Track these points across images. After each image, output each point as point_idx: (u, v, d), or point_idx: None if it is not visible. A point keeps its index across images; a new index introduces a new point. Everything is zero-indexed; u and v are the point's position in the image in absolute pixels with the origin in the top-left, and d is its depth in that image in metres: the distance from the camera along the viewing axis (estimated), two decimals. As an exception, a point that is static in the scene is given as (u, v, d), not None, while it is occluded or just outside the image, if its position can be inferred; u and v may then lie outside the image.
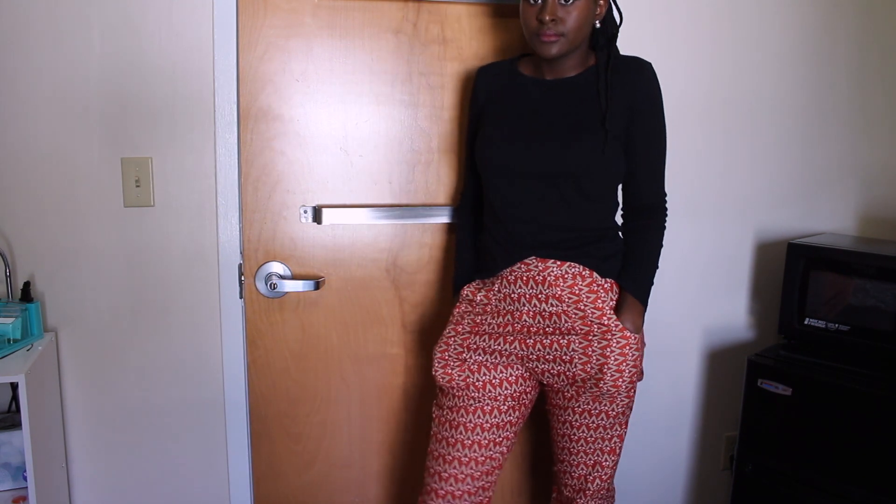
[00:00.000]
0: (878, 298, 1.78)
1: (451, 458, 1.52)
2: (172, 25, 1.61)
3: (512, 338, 1.48)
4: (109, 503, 1.75)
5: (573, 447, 1.56)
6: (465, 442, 1.51)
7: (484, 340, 1.50)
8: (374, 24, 1.70)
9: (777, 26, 2.01)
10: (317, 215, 1.73)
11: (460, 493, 1.52)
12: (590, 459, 1.56)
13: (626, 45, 1.88)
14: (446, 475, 1.52)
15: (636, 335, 1.47)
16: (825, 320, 1.87)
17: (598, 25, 1.44)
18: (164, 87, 1.63)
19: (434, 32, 1.73)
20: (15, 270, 1.61)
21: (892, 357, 1.76)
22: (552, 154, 1.42)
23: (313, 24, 1.68)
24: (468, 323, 1.52)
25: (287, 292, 1.75)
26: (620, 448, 1.58)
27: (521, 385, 1.53)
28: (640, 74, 1.47)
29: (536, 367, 1.50)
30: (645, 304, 1.51)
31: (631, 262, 1.51)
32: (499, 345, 1.49)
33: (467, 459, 1.51)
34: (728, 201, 2.06)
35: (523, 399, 1.55)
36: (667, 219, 1.57)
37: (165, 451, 1.76)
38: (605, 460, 1.56)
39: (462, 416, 1.51)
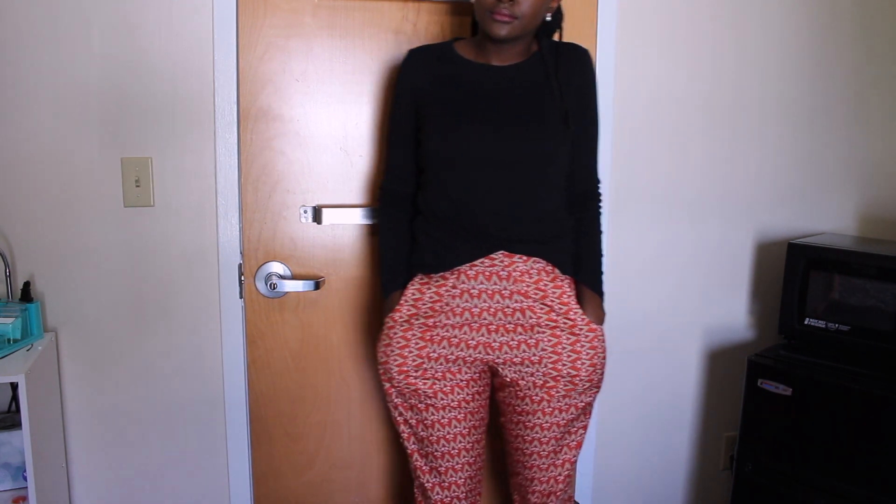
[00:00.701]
0: (878, 298, 1.78)
1: (443, 468, 1.50)
2: (172, 25, 1.61)
3: (475, 342, 1.43)
4: (109, 503, 1.75)
5: (543, 450, 1.49)
6: (452, 452, 1.49)
7: (444, 348, 1.43)
8: (374, 24, 1.70)
9: (777, 27, 2.01)
10: (317, 215, 1.73)
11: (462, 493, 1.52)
12: (559, 459, 1.51)
13: (627, 44, 1.89)
14: (446, 483, 1.51)
15: (601, 327, 1.47)
16: (825, 320, 1.87)
17: (548, 18, 1.41)
18: (164, 87, 1.63)
19: (434, 32, 1.73)
20: (15, 270, 1.61)
21: (892, 357, 1.76)
22: (521, 141, 1.38)
23: (313, 24, 1.68)
24: (419, 327, 1.44)
25: (287, 292, 1.75)
26: (583, 439, 1.55)
27: (483, 381, 1.51)
28: (583, 60, 1.46)
29: (503, 369, 1.46)
30: (602, 297, 1.52)
31: (582, 256, 1.51)
32: (462, 350, 1.43)
33: (459, 466, 1.50)
34: (728, 201, 2.06)
35: (485, 395, 1.53)
36: (601, 205, 1.58)
37: (165, 451, 1.76)
38: (573, 456, 1.52)
39: (437, 427, 1.48)
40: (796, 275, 1.91)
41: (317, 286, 1.72)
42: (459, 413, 1.48)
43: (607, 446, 2.08)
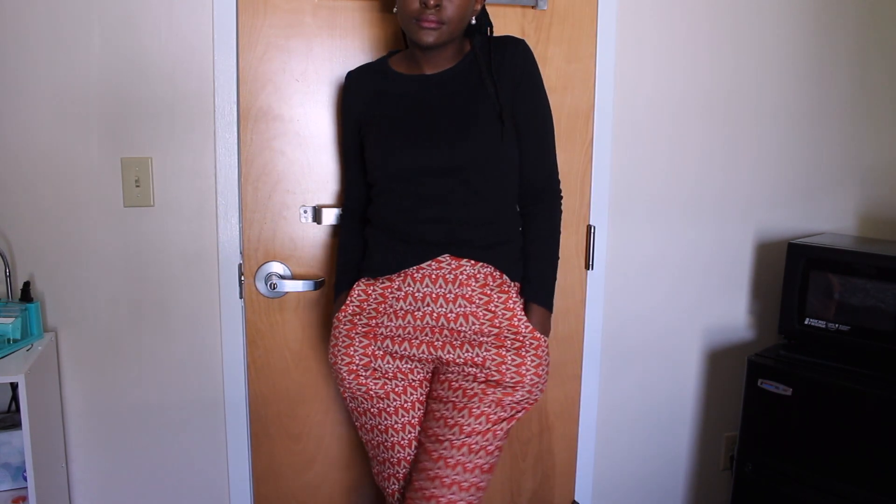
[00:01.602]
0: (878, 298, 1.78)
1: (395, 459, 1.49)
2: (172, 25, 1.61)
3: (418, 342, 1.41)
4: (109, 503, 1.75)
5: (453, 454, 1.38)
6: (407, 458, 1.48)
7: (387, 346, 1.43)
8: (374, 24, 1.70)
9: (777, 27, 2.01)
10: (317, 215, 1.73)
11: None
12: (465, 475, 1.37)
13: (626, 44, 1.89)
14: (400, 475, 1.50)
15: (546, 338, 1.42)
16: (825, 320, 1.87)
17: (473, 21, 1.40)
18: (164, 87, 1.63)
19: (434, 32, 1.73)
20: (15, 270, 1.61)
21: (892, 357, 1.76)
22: (453, 147, 1.36)
23: (313, 24, 1.68)
24: (362, 326, 1.44)
25: (287, 292, 1.75)
26: (495, 465, 1.43)
27: (425, 382, 1.49)
28: (517, 50, 1.40)
29: (443, 368, 1.44)
30: (550, 308, 1.44)
31: (530, 265, 1.44)
32: (405, 350, 1.42)
33: (405, 457, 1.49)
34: (728, 201, 2.06)
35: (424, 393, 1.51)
36: (560, 202, 1.49)
37: (165, 451, 1.76)
38: (478, 479, 1.39)
39: (391, 433, 1.47)
40: (796, 275, 1.91)
41: (317, 286, 1.72)
42: (413, 417, 1.47)
43: (607, 446, 2.08)
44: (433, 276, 1.39)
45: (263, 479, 1.83)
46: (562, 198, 1.50)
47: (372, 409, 1.47)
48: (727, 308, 2.13)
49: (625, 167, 1.94)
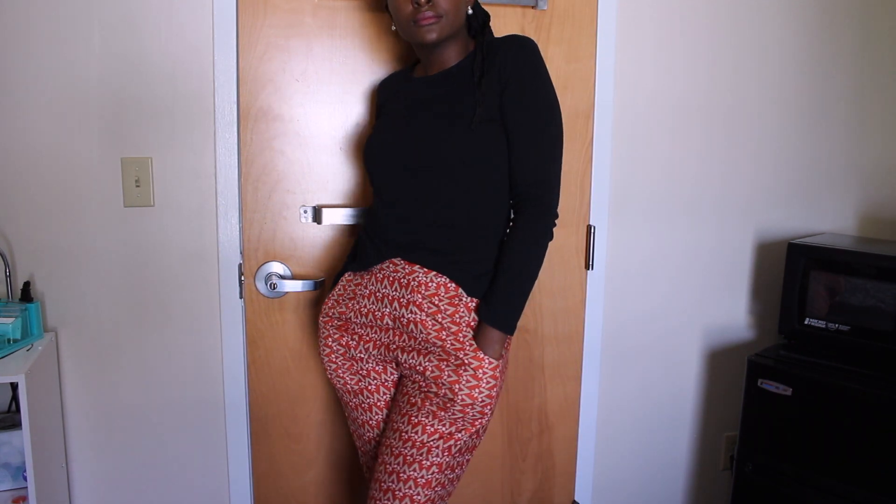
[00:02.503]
0: (878, 298, 1.78)
1: (372, 453, 1.51)
2: (172, 25, 1.61)
3: (379, 342, 1.42)
4: (109, 503, 1.75)
5: (389, 461, 1.35)
6: (376, 438, 1.50)
7: (354, 341, 1.45)
8: (374, 24, 1.70)
9: (777, 27, 2.01)
10: (317, 215, 1.73)
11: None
12: (399, 484, 1.32)
13: (627, 45, 1.89)
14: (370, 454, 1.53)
15: (493, 360, 1.31)
16: (825, 320, 1.87)
17: (470, 12, 1.39)
18: (164, 87, 1.63)
19: (434, 32, 1.73)
20: (15, 270, 1.61)
21: (892, 357, 1.76)
22: (420, 145, 1.33)
23: (313, 24, 1.68)
24: (336, 319, 1.47)
25: (287, 292, 1.75)
26: (438, 484, 1.33)
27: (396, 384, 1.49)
28: (511, 50, 1.32)
29: (403, 376, 1.43)
30: (505, 331, 1.31)
31: (495, 280, 1.33)
32: (367, 350, 1.44)
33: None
34: (728, 201, 2.06)
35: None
36: (548, 216, 1.35)
37: (165, 451, 1.76)
38: (415, 492, 1.32)
39: (367, 428, 1.50)
40: (796, 275, 1.91)
41: (317, 286, 1.72)
42: (386, 415, 1.48)
43: (607, 446, 2.08)
44: (391, 278, 1.39)
45: (263, 479, 1.83)
46: (553, 214, 1.36)
47: (350, 403, 1.51)
48: (727, 308, 2.13)
49: (625, 167, 1.94)
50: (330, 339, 1.49)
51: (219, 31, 1.63)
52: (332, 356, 1.49)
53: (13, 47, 1.54)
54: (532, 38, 1.78)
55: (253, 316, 1.75)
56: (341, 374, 1.49)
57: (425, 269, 1.35)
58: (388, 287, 1.39)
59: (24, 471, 1.58)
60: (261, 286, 1.74)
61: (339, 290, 1.49)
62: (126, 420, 1.72)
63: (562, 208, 1.70)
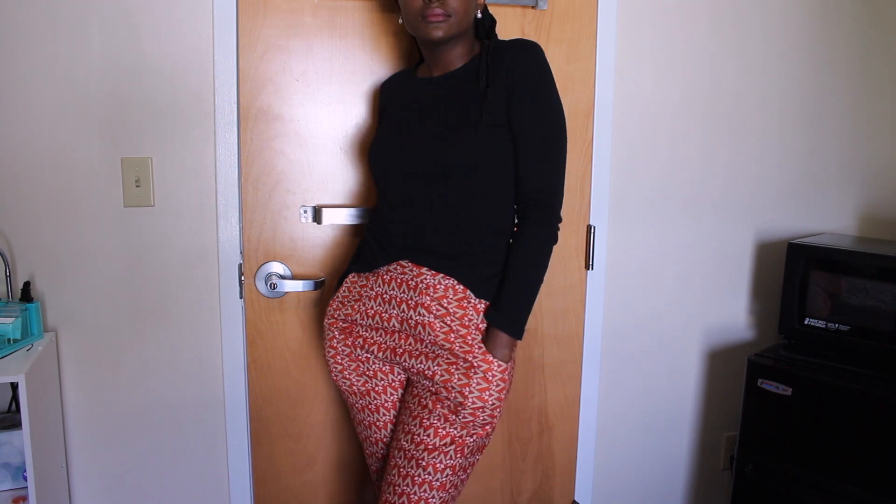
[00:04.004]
0: (878, 298, 1.78)
1: (380, 455, 1.52)
2: (172, 25, 1.61)
3: (385, 345, 1.41)
4: (109, 503, 1.75)
5: (402, 464, 1.35)
6: (384, 440, 1.50)
7: (360, 342, 1.44)
8: (374, 24, 1.70)
9: (778, 27, 2.01)
10: (317, 215, 1.73)
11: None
12: (437, 482, 1.33)
13: (627, 45, 1.89)
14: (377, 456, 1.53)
15: (502, 363, 1.32)
16: (825, 320, 1.87)
17: (478, 15, 1.39)
18: (164, 87, 1.63)
19: (434, 32, 1.73)
20: (15, 270, 1.61)
21: (892, 357, 1.76)
22: (428, 149, 1.34)
23: (313, 24, 1.68)
24: (342, 322, 1.47)
25: (287, 292, 1.75)
26: (451, 486, 1.34)
27: (403, 385, 1.49)
28: (519, 55, 1.32)
29: (412, 378, 1.42)
30: (514, 335, 1.32)
31: (503, 285, 1.34)
32: (373, 352, 1.43)
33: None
34: (728, 201, 2.06)
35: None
36: (553, 221, 1.36)
37: (165, 451, 1.76)
38: (429, 495, 1.32)
39: (374, 430, 1.50)
40: (796, 275, 1.91)
41: (317, 286, 1.72)
42: (394, 416, 1.47)
43: (607, 446, 2.08)
44: (398, 280, 1.38)
45: (263, 479, 1.83)
46: (558, 218, 1.37)
47: (356, 405, 1.51)
48: (727, 308, 2.13)
49: (625, 167, 1.94)
50: (335, 341, 1.48)
51: (219, 31, 1.63)
52: (338, 357, 1.48)
53: (13, 47, 1.54)
54: (532, 38, 1.79)
55: (253, 316, 1.75)
56: (347, 376, 1.48)
57: (433, 272, 1.35)
58: (396, 289, 1.38)
59: (24, 471, 1.58)
60: (261, 286, 1.74)
61: (344, 291, 1.49)
62: (126, 420, 1.72)
63: (562, 209, 1.71)
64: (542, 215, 1.35)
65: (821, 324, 1.87)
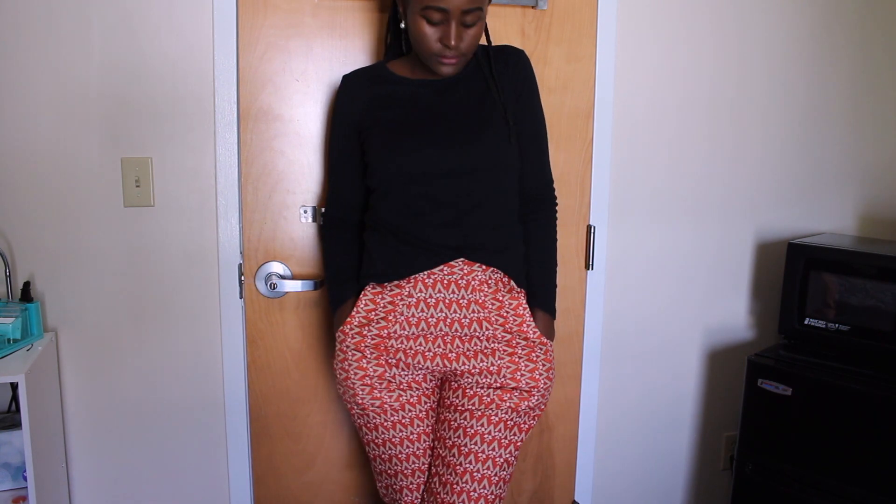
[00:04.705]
0: (878, 298, 1.78)
1: (409, 471, 1.48)
2: (172, 25, 1.61)
3: (431, 354, 1.39)
4: (109, 503, 1.75)
5: (476, 466, 1.38)
6: (422, 468, 1.47)
7: (399, 358, 1.40)
8: (374, 24, 1.70)
9: (778, 27, 2.01)
10: (317, 215, 1.73)
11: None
12: (491, 473, 1.39)
13: (627, 45, 1.89)
14: (414, 486, 1.49)
15: (552, 343, 1.46)
16: (825, 320, 1.87)
17: None
18: (164, 87, 1.63)
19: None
20: (15, 270, 1.61)
21: (892, 357, 1.76)
22: (468, 149, 1.38)
23: (313, 24, 1.68)
24: (371, 339, 1.40)
25: (287, 292, 1.75)
26: (508, 478, 1.44)
27: (437, 390, 1.49)
28: (520, 61, 1.45)
29: (459, 380, 1.42)
30: (554, 314, 1.49)
31: (534, 271, 1.47)
32: (418, 363, 1.40)
33: (423, 470, 1.48)
34: (728, 201, 2.06)
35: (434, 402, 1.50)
36: (556, 208, 1.54)
37: (165, 451, 1.76)
38: (507, 474, 1.42)
39: (406, 444, 1.46)
40: (796, 275, 1.91)
41: (317, 286, 1.72)
42: (428, 426, 1.46)
43: (607, 446, 2.08)
44: (445, 282, 1.38)
45: (263, 479, 1.83)
46: (557, 204, 1.54)
47: (385, 423, 1.44)
48: (727, 308, 2.13)
49: (624, 167, 1.94)
50: (364, 361, 1.41)
51: (219, 31, 1.63)
52: (366, 379, 1.41)
53: (13, 47, 1.54)
54: (532, 38, 1.79)
55: (253, 316, 1.75)
56: (378, 395, 1.42)
57: (483, 267, 1.39)
58: (443, 290, 1.38)
59: (24, 471, 1.58)
60: (261, 286, 1.74)
61: (367, 305, 1.42)
62: (126, 420, 1.72)
63: (562, 208, 1.72)
64: (550, 206, 1.52)
65: (821, 324, 1.87)
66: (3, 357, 1.49)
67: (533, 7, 1.77)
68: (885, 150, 2.18)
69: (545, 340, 1.43)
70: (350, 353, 1.42)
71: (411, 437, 1.45)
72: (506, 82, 1.43)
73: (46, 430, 1.55)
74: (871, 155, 2.18)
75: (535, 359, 1.42)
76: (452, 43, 1.29)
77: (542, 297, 1.47)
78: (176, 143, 1.65)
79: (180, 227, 1.69)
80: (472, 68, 1.44)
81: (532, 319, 1.43)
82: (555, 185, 1.55)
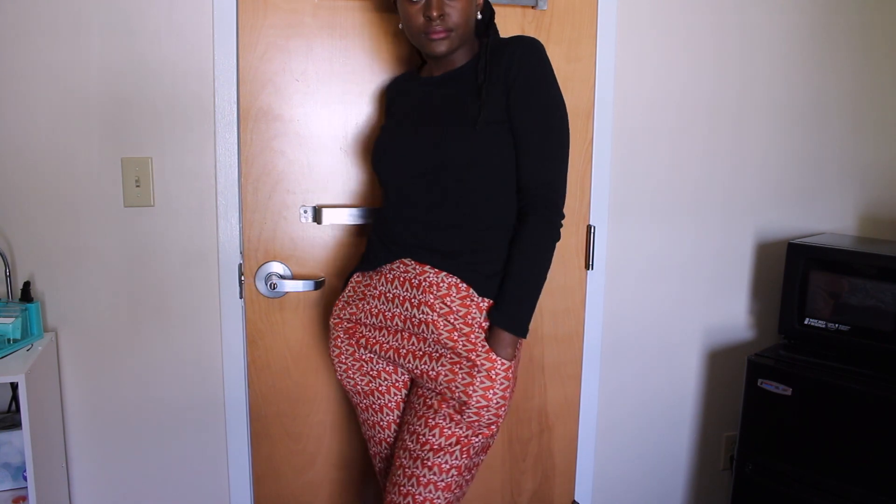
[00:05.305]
0: (878, 298, 1.78)
1: (384, 454, 1.53)
2: (172, 25, 1.61)
3: (388, 345, 1.41)
4: (109, 503, 1.75)
5: (407, 464, 1.35)
6: (388, 440, 1.51)
7: (363, 342, 1.45)
8: (373, 25, 1.70)
9: (778, 27, 2.01)
10: (317, 215, 1.73)
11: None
12: (437, 479, 1.32)
13: (627, 45, 1.89)
14: (385, 470, 1.53)
15: (505, 362, 1.31)
16: (825, 320, 1.87)
17: (479, 16, 1.40)
18: (164, 87, 1.63)
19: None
20: (15, 270, 1.61)
21: (892, 357, 1.76)
22: (428, 146, 1.34)
23: (313, 24, 1.68)
24: (346, 321, 1.48)
25: (287, 292, 1.75)
26: (456, 486, 1.34)
27: (406, 385, 1.49)
28: (517, 51, 1.32)
29: (417, 380, 1.41)
30: (518, 334, 1.32)
31: (505, 283, 1.33)
32: (375, 351, 1.43)
33: (391, 453, 1.51)
34: (728, 201, 2.06)
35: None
36: (554, 217, 1.35)
37: (165, 451, 1.76)
38: (433, 495, 1.32)
39: (378, 429, 1.50)
40: (796, 275, 1.91)
41: (317, 286, 1.72)
42: (396, 416, 1.48)
43: (607, 446, 2.08)
44: (401, 279, 1.39)
45: (263, 479, 1.83)
46: (560, 215, 1.36)
47: (361, 405, 1.52)
48: (727, 308, 2.13)
49: (624, 167, 1.94)
50: (339, 340, 1.49)
51: (219, 31, 1.63)
52: (342, 357, 1.49)
53: (13, 47, 1.54)
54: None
55: (253, 316, 1.75)
56: (351, 375, 1.49)
57: (436, 270, 1.35)
58: (399, 287, 1.39)
59: (24, 471, 1.58)
60: (261, 286, 1.74)
61: (349, 291, 1.50)
62: (126, 420, 1.72)
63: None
64: (543, 212, 1.34)
65: (821, 324, 1.87)
66: (3, 357, 1.49)
67: (533, 7, 1.77)
68: (885, 150, 2.18)
69: (492, 357, 1.30)
70: (331, 332, 1.51)
71: (381, 423, 1.50)
72: (495, 77, 1.32)
73: (46, 430, 1.55)
74: (871, 155, 2.18)
75: (473, 374, 1.29)
76: (434, 14, 1.28)
77: (501, 312, 1.31)
78: (176, 143, 1.65)
79: (180, 227, 1.69)
80: (473, 63, 1.39)
81: (483, 332, 1.32)
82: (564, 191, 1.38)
